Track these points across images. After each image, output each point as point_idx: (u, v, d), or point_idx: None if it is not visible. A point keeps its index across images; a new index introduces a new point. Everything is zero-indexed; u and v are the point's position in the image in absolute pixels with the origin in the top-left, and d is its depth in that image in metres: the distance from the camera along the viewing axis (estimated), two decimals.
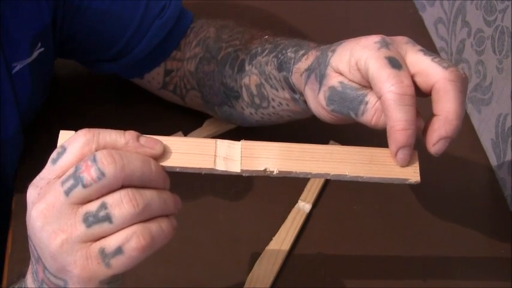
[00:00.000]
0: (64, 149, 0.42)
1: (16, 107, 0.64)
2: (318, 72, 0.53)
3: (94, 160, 0.40)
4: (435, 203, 0.69)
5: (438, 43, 0.87)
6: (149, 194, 0.42)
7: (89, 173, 0.40)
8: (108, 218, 0.40)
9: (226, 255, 0.64)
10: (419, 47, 0.49)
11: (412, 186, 0.71)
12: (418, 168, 0.47)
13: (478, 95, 0.76)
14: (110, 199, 0.40)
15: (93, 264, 0.40)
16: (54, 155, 0.42)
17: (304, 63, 0.56)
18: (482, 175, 0.73)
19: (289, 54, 0.59)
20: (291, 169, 0.46)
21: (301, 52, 0.57)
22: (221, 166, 0.45)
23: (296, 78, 0.57)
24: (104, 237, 0.41)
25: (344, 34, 0.88)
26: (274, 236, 0.65)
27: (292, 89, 0.59)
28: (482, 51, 0.74)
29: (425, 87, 0.47)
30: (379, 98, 0.46)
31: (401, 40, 0.50)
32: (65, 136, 0.44)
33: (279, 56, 0.60)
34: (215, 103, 0.70)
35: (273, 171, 0.46)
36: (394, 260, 0.65)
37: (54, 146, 0.44)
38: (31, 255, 0.44)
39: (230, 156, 0.46)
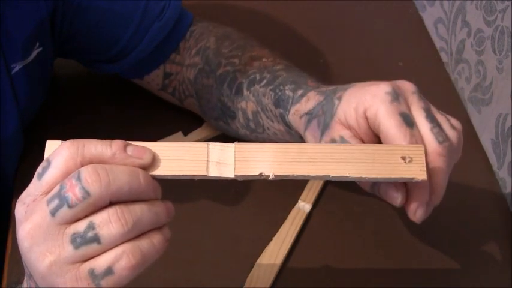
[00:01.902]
0: (48, 163, 0.41)
1: (16, 107, 0.64)
2: (322, 120, 0.53)
3: (78, 178, 0.39)
4: None
5: (438, 43, 0.87)
6: (139, 210, 0.40)
7: (74, 193, 0.39)
8: (96, 239, 0.39)
9: (226, 255, 0.64)
10: (423, 104, 0.50)
11: None
12: (424, 165, 0.45)
13: (478, 95, 0.76)
14: (97, 218, 0.39)
15: (83, 285, 0.39)
16: (39, 169, 0.41)
17: (303, 106, 0.56)
18: (482, 175, 0.73)
19: (287, 92, 0.59)
20: (288, 172, 0.44)
21: (300, 92, 0.57)
22: (214, 172, 0.43)
23: (294, 120, 0.57)
24: (93, 257, 0.40)
25: (344, 34, 0.89)
26: (274, 236, 0.65)
27: (288, 126, 0.59)
28: (482, 51, 0.74)
29: None
30: None
31: (408, 89, 0.50)
32: (52, 147, 0.42)
33: (277, 91, 0.60)
34: (211, 116, 0.70)
35: (269, 176, 0.44)
36: (393, 260, 0.65)
37: (55, 139, 0.43)
38: (25, 270, 0.43)
39: (223, 161, 0.43)
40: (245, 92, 0.64)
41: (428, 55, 0.86)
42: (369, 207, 0.68)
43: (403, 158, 0.45)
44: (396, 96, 0.49)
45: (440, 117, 0.51)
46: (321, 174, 0.44)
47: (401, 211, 0.68)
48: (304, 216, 0.67)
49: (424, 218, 0.49)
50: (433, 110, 0.51)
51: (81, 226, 0.39)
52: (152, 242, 0.41)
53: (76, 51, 0.72)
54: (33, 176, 0.42)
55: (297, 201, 0.68)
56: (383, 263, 0.64)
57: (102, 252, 0.39)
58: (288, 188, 0.69)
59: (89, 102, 0.78)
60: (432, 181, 0.48)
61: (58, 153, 0.41)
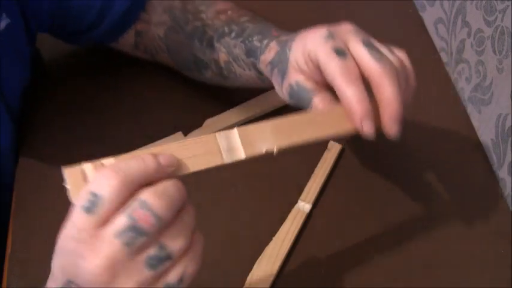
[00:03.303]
0: (97, 197, 0.41)
1: None
2: (280, 67, 0.59)
3: (147, 208, 0.40)
4: (435, 203, 0.69)
5: (438, 43, 0.87)
6: (189, 219, 0.43)
7: (147, 221, 0.40)
8: (168, 257, 0.42)
9: (226, 255, 0.64)
10: (360, 37, 0.54)
11: (412, 187, 0.71)
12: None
13: (478, 95, 0.76)
14: (166, 238, 0.42)
15: None
16: (85, 202, 0.41)
17: (267, 56, 0.61)
18: (482, 175, 0.73)
19: (255, 42, 0.64)
20: (288, 143, 0.49)
21: (265, 42, 0.63)
22: (228, 159, 0.47)
23: (263, 68, 0.63)
24: (165, 271, 0.42)
25: None
26: (274, 236, 0.65)
27: (260, 73, 0.64)
28: (482, 51, 0.74)
29: (365, 76, 0.52)
30: (331, 83, 0.52)
31: (345, 29, 0.55)
32: (72, 174, 0.43)
33: (246, 42, 0.65)
34: (185, 68, 0.75)
35: (273, 150, 0.49)
36: (393, 260, 0.65)
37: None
38: None
39: (232, 147, 0.47)
40: (216, 45, 0.68)
41: (428, 55, 0.86)
42: (369, 207, 0.68)
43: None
44: (332, 36, 0.53)
45: (381, 46, 0.54)
46: (314, 137, 0.50)
47: (401, 211, 0.68)
48: (304, 216, 0.67)
49: (397, 132, 0.52)
50: (373, 40, 0.54)
51: (153, 249, 0.41)
52: (200, 242, 0.44)
53: (52, 26, 0.73)
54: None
55: (297, 201, 0.68)
56: (383, 262, 0.64)
57: (173, 266, 0.42)
58: (288, 188, 0.69)
59: (88, 102, 0.78)
60: (383, 97, 0.51)
61: (105, 185, 0.41)
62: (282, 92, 0.60)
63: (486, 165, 0.73)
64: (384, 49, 0.54)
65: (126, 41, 0.77)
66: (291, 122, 0.50)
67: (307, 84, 0.56)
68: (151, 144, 0.72)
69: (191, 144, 0.46)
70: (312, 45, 0.54)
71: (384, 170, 0.72)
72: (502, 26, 0.69)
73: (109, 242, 0.40)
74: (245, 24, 0.67)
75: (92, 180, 0.41)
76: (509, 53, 0.68)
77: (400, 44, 0.88)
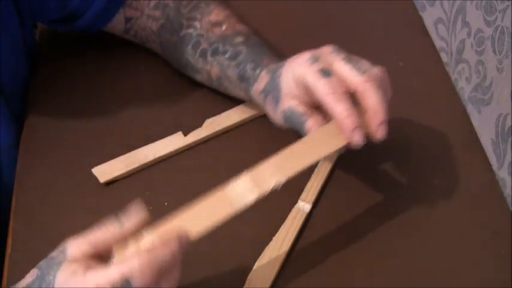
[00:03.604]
0: (129, 284, 0.46)
1: None
2: (274, 94, 0.64)
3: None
4: (435, 203, 0.69)
5: (438, 43, 0.87)
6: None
7: None
8: None
9: (226, 255, 0.64)
10: (342, 56, 0.59)
11: (412, 187, 0.71)
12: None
13: (478, 95, 0.76)
14: None
15: None
16: (117, 283, 0.46)
17: (259, 85, 0.67)
18: (482, 175, 0.73)
19: (248, 71, 0.68)
20: (292, 172, 0.53)
21: (257, 71, 0.67)
22: (240, 204, 0.52)
23: (255, 95, 0.68)
24: None
25: (344, 34, 0.88)
26: (274, 236, 0.65)
27: (250, 98, 0.70)
28: (482, 51, 0.74)
29: (350, 89, 0.57)
30: (321, 102, 0.57)
31: (327, 50, 0.60)
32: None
33: (240, 67, 0.69)
34: (177, 66, 0.78)
35: (282, 181, 0.53)
36: (394, 260, 0.65)
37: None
38: None
39: (241, 192, 0.52)
40: (209, 58, 0.72)
41: (428, 55, 0.86)
42: (369, 207, 0.68)
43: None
44: (316, 59, 0.59)
45: (360, 61, 0.59)
46: (315, 159, 0.54)
47: (401, 211, 0.68)
48: (304, 216, 0.67)
49: (383, 135, 0.58)
50: (353, 57, 0.59)
51: None
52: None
53: (40, 12, 0.75)
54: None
55: (297, 201, 0.68)
56: (383, 262, 0.64)
57: None
58: (288, 188, 0.69)
59: (88, 103, 0.78)
60: (369, 106, 0.56)
61: (138, 277, 0.47)
62: (276, 117, 0.65)
63: (486, 165, 0.73)
64: (363, 64, 0.59)
65: (116, 26, 0.79)
66: (290, 152, 0.53)
67: (300, 109, 0.61)
68: (152, 144, 0.72)
69: (204, 206, 0.52)
70: (299, 69, 0.59)
71: (383, 170, 0.72)
72: (502, 26, 0.69)
73: None
74: (239, 47, 0.70)
75: (130, 264, 0.47)
76: (509, 53, 0.68)
77: (400, 44, 0.88)
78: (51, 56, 0.83)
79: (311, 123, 0.60)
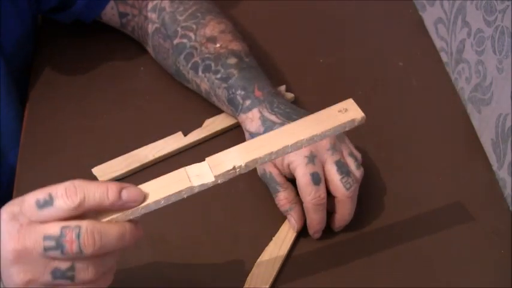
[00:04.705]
0: (52, 200, 0.46)
1: None
2: None
3: (78, 237, 0.46)
4: (435, 203, 0.69)
5: (438, 43, 0.87)
6: (112, 262, 0.49)
7: (71, 247, 0.46)
8: (71, 278, 0.47)
9: (226, 255, 0.64)
10: (335, 157, 0.62)
11: (412, 186, 0.71)
12: (357, 108, 0.54)
13: (478, 95, 0.76)
14: (79, 265, 0.47)
15: None
16: (41, 199, 0.46)
17: (248, 124, 0.68)
18: (482, 175, 0.73)
19: (238, 97, 0.69)
20: (255, 156, 0.51)
21: (247, 103, 0.68)
22: (196, 182, 0.50)
23: (241, 123, 0.70)
24: (60, 286, 0.48)
25: (344, 34, 0.88)
26: (274, 236, 0.65)
27: (237, 119, 0.71)
28: (482, 51, 0.74)
29: (332, 192, 0.63)
30: (302, 201, 0.63)
31: (324, 146, 0.63)
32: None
33: (230, 91, 0.70)
34: (167, 70, 0.78)
35: (241, 165, 0.51)
36: (394, 260, 0.65)
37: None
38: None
39: (201, 173, 0.51)
40: (200, 73, 0.73)
41: (428, 55, 0.86)
42: (369, 207, 0.68)
43: (340, 111, 0.54)
44: (312, 158, 0.62)
45: (349, 161, 0.64)
46: (281, 147, 0.52)
47: (401, 211, 0.69)
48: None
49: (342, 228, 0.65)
50: (345, 155, 0.64)
51: (64, 265, 0.47)
52: (106, 283, 0.50)
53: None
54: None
55: None
56: (383, 262, 0.64)
57: (70, 286, 0.48)
58: None
59: (89, 103, 0.78)
60: (341, 212, 0.64)
61: (61, 196, 0.46)
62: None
63: (486, 165, 0.73)
64: (350, 164, 0.63)
65: (111, 19, 0.80)
66: (257, 140, 0.53)
67: (278, 179, 0.65)
68: (152, 144, 0.72)
69: (162, 178, 0.50)
70: (294, 159, 0.62)
71: (383, 169, 0.72)
72: (502, 26, 0.69)
73: (34, 238, 0.46)
74: (231, 70, 0.70)
75: (59, 187, 0.47)
76: (509, 53, 0.68)
77: (400, 44, 0.88)
78: (51, 56, 0.83)
79: (282, 197, 0.65)
